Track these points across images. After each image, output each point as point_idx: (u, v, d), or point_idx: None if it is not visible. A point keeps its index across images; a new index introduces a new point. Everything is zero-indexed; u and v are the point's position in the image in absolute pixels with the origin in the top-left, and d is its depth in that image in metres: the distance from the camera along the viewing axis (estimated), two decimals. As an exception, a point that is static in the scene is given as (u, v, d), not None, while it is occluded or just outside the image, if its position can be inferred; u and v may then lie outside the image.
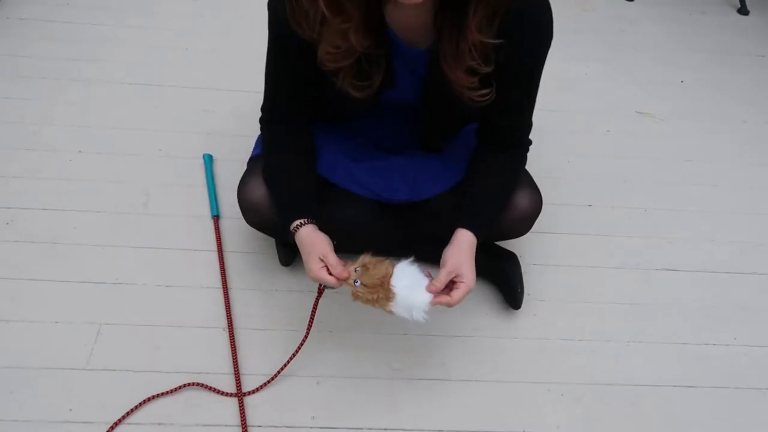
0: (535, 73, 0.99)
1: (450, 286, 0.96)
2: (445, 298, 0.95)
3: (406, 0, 0.79)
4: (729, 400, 1.17)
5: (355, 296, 0.95)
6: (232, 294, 1.24)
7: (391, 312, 0.94)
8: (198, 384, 1.08)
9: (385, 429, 1.07)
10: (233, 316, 1.20)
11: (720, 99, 1.99)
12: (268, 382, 1.09)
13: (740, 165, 1.74)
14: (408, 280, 0.94)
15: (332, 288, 0.97)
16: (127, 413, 1.03)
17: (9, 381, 1.07)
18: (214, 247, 1.33)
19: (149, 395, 1.06)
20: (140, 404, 1.04)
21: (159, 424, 1.03)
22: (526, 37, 0.92)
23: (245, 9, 2.09)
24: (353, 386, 1.12)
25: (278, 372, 1.09)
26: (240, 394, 1.08)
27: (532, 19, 0.91)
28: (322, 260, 0.95)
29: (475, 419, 1.10)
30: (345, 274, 0.94)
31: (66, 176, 1.44)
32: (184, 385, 1.07)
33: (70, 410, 1.04)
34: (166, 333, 1.16)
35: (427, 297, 0.93)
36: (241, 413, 1.05)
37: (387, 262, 0.95)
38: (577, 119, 1.82)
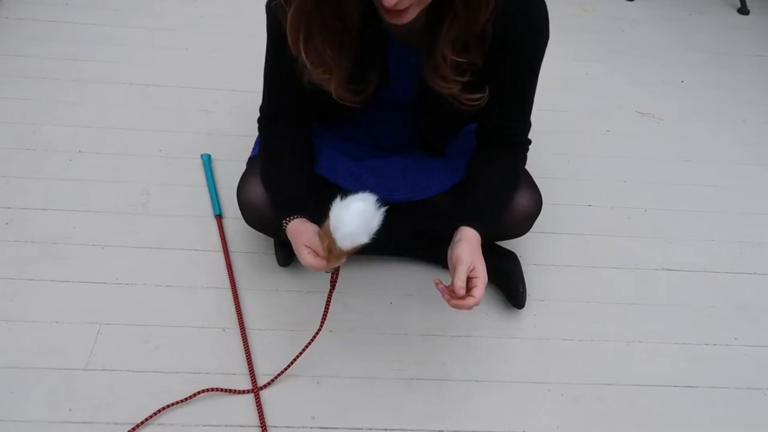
0: (532, 73, 0.99)
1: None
2: (470, 300, 0.92)
3: (393, 20, 0.79)
4: (729, 400, 1.17)
5: (329, 264, 0.92)
6: (232, 294, 1.24)
7: (345, 248, 0.88)
8: (213, 389, 1.07)
9: (385, 429, 1.07)
10: (232, 316, 1.20)
11: (720, 99, 1.98)
12: (282, 372, 1.09)
13: (740, 165, 1.74)
14: (338, 212, 0.86)
15: (328, 271, 0.96)
16: (140, 423, 1.03)
17: (9, 381, 1.07)
18: (214, 246, 1.33)
19: (160, 401, 1.06)
20: (154, 414, 1.04)
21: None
22: (522, 37, 0.92)
23: (245, 9, 2.09)
24: (353, 386, 1.12)
25: (291, 362, 1.09)
26: (255, 389, 1.08)
27: (528, 19, 0.92)
28: (309, 247, 0.94)
29: (475, 419, 1.10)
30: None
31: (66, 176, 1.44)
32: (201, 392, 1.07)
33: (70, 410, 1.04)
34: (166, 333, 1.16)
35: (354, 214, 0.85)
36: (258, 408, 1.06)
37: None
38: (577, 119, 1.82)
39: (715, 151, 1.77)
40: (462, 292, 0.92)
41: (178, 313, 1.20)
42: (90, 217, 1.36)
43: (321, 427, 1.06)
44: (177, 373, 1.10)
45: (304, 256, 0.94)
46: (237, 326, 1.19)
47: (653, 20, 2.36)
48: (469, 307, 0.93)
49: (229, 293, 1.24)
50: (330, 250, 0.90)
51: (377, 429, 1.07)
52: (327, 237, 0.89)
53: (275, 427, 1.05)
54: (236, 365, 1.12)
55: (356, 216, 0.84)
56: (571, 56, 2.09)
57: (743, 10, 2.47)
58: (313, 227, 0.97)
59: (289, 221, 0.99)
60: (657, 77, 2.05)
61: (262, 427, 1.04)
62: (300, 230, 0.97)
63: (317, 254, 0.92)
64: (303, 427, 1.06)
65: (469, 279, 0.94)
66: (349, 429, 1.07)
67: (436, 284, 0.97)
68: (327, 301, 1.04)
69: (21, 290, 1.21)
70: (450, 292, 0.94)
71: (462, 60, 0.87)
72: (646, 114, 1.88)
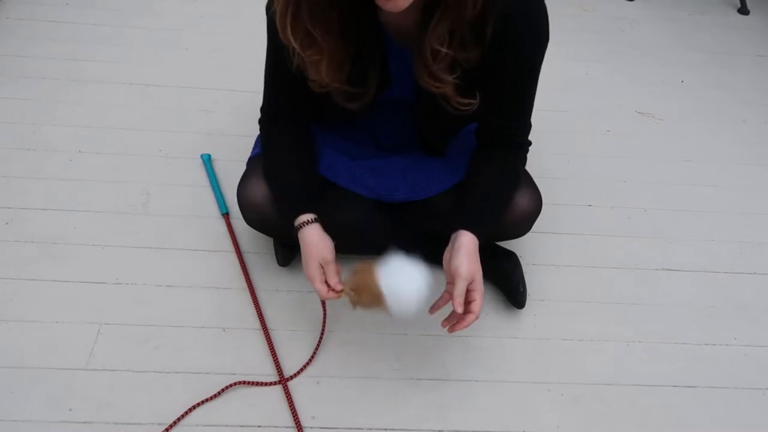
0: (532, 73, 0.99)
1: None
2: (470, 317, 0.94)
3: (386, 6, 0.78)
4: (729, 400, 1.17)
5: (354, 304, 0.97)
6: (232, 294, 1.24)
7: (388, 310, 0.94)
8: (241, 382, 1.09)
9: (385, 429, 1.07)
10: (233, 316, 1.20)
11: (720, 99, 1.99)
12: (309, 362, 1.12)
13: (740, 165, 1.74)
14: (393, 275, 0.93)
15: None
16: (174, 422, 1.03)
17: (9, 381, 1.07)
18: (215, 246, 1.33)
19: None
20: (187, 412, 1.04)
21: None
22: (521, 37, 0.92)
23: (245, 9, 2.09)
24: (353, 386, 1.12)
25: (315, 350, 1.12)
26: (283, 380, 1.10)
27: (527, 19, 0.91)
28: (322, 266, 0.97)
29: (475, 419, 1.10)
30: (339, 287, 0.97)
31: (66, 176, 1.44)
32: (229, 386, 1.08)
33: (70, 410, 1.04)
34: (166, 333, 1.16)
35: (413, 287, 0.92)
36: (288, 398, 1.07)
37: (373, 264, 0.95)
38: (577, 119, 1.82)
39: (715, 151, 1.77)
40: (461, 309, 0.93)
41: (178, 313, 1.20)
42: (90, 217, 1.36)
43: (321, 427, 1.06)
44: (177, 373, 1.10)
45: (313, 275, 0.97)
46: (237, 326, 1.19)
47: (653, 20, 2.37)
48: (468, 325, 0.95)
49: (229, 293, 1.24)
50: (359, 291, 0.94)
51: (377, 429, 1.07)
52: (366, 288, 0.93)
53: (275, 426, 1.05)
54: (238, 365, 1.12)
55: (412, 299, 0.92)
56: (571, 56, 2.09)
57: (743, 10, 2.47)
58: (330, 243, 0.99)
59: (306, 224, 0.99)
60: (657, 77, 2.05)
61: (293, 416, 1.05)
62: (317, 243, 0.98)
63: (326, 281, 0.97)
64: (303, 427, 1.05)
65: (467, 292, 0.95)
66: (349, 429, 1.07)
67: (431, 312, 1.00)
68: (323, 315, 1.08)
69: (21, 290, 1.21)
70: (449, 318, 0.97)
71: (450, 52, 0.85)
72: (646, 114, 1.88)
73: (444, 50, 0.84)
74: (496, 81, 0.95)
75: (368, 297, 0.93)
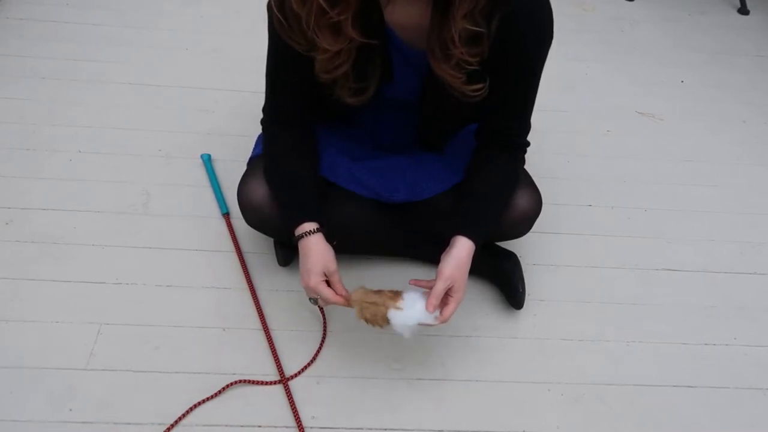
0: (534, 74, 0.99)
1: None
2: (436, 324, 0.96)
3: None
4: (729, 400, 1.17)
5: (361, 310, 0.97)
6: (232, 294, 1.24)
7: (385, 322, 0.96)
8: (242, 381, 1.09)
9: (385, 429, 1.07)
10: (232, 316, 1.20)
11: (720, 99, 1.99)
12: (310, 363, 1.13)
13: (740, 165, 1.74)
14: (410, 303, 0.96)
15: (320, 304, 1.01)
16: (176, 422, 1.03)
17: (9, 381, 1.07)
18: (215, 246, 1.33)
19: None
20: (188, 412, 1.04)
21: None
22: (524, 37, 0.92)
23: (245, 9, 2.09)
24: (353, 386, 1.12)
25: (316, 352, 1.13)
26: (284, 380, 1.10)
27: (532, 19, 0.91)
28: (325, 275, 0.97)
29: (475, 419, 1.10)
30: (344, 292, 0.97)
31: (66, 176, 1.44)
32: (230, 384, 1.08)
33: (70, 410, 1.04)
34: (166, 333, 1.16)
35: (418, 315, 0.94)
36: (288, 398, 1.07)
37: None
38: (577, 119, 1.82)
39: (715, 151, 1.77)
40: (431, 308, 0.94)
41: (178, 313, 1.20)
42: (90, 217, 1.36)
43: (321, 427, 1.06)
44: (177, 372, 1.10)
45: (317, 283, 0.97)
46: (237, 326, 1.19)
47: (653, 20, 2.37)
48: (438, 325, 0.96)
49: (229, 293, 1.24)
50: (363, 303, 0.96)
51: (377, 429, 1.07)
52: (377, 303, 0.95)
53: (275, 426, 1.05)
54: (238, 364, 1.12)
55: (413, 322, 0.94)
56: (571, 56, 2.09)
57: (743, 10, 2.47)
58: (332, 252, 0.99)
59: (309, 234, 0.99)
60: (657, 77, 2.05)
61: (295, 415, 1.05)
62: (321, 252, 0.98)
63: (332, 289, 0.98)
64: (304, 427, 1.05)
65: (445, 295, 0.95)
66: (349, 429, 1.07)
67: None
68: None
69: (21, 290, 1.21)
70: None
71: (475, 29, 0.84)
72: (646, 114, 1.88)
73: (468, 26, 0.83)
74: (498, 79, 0.95)
75: (382, 300, 0.95)
